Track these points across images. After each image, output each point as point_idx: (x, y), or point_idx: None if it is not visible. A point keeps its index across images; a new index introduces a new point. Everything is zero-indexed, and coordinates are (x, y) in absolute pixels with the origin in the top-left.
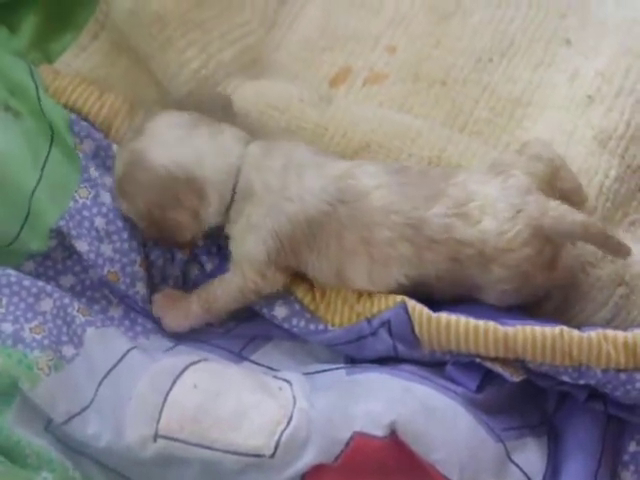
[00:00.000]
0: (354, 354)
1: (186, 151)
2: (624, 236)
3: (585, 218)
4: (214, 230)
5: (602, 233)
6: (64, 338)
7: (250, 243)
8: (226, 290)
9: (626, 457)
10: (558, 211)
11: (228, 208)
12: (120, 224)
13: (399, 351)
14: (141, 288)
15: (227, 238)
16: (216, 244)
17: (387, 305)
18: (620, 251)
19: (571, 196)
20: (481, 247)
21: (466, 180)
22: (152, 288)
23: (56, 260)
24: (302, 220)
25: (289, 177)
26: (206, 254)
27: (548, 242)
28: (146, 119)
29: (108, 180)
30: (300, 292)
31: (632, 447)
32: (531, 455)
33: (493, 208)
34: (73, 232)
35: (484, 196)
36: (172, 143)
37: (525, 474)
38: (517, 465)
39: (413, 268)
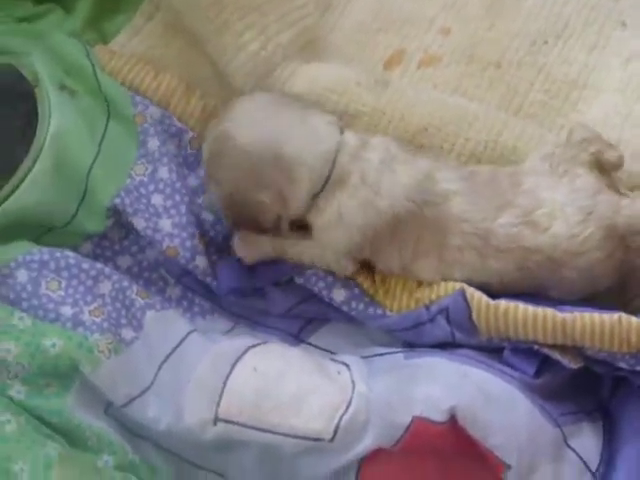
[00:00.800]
0: (412, 340)
1: (273, 130)
2: None
3: None
4: (299, 216)
5: None
6: (123, 321)
7: (336, 234)
8: (298, 254)
9: None
10: (632, 209)
11: (317, 194)
12: (178, 198)
13: (457, 338)
14: (201, 262)
15: (307, 224)
16: None
17: (446, 292)
18: None
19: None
20: (550, 252)
21: (535, 187)
22: (210, 263)
23: (113, 241)
24: (390, 216)
25: (384, 173)
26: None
27: (620, 244)
28: (233, 101)
29: (170, 148)
30: (360, 276)
31: None
32: (587, 441)
33: (562, 212)
34: (129, 209)
35: (552, 202)
36: (259, 122)
37: (582, 459)
38: (574, 450)
39: (477, 275)
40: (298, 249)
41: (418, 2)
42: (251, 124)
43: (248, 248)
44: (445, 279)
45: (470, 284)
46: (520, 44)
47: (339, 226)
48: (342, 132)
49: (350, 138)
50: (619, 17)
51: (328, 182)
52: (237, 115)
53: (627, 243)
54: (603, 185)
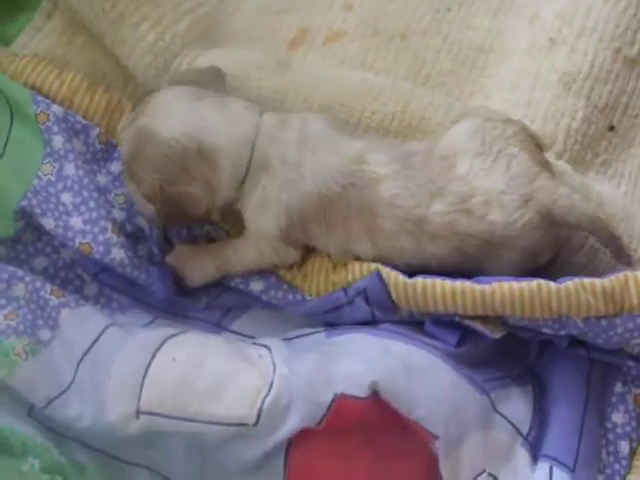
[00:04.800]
0: (333, 321)
1: (194, 121)
2: (596, 177)
3: (595, 213)
4: (229, 204)
5: (609, 232)
6: (39, 322)
7: (264, 218)
8: (241, 260)
9: (614, 399)
10: (569, 200)
11: (243, 180)
12: (86, 194)
13: (377, 317)
14: (117, 254)
15: (237, 213)
16: (185, 226)
17: (362, 274)
18: (621, 257)
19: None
20: (488, 237)
21: (468, 172)
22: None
23: (26, 243)
24: (314, 198)
25: (305, 152)
26: (176, 236)
27: (556, 223)
28: (148, 98)
29: (75, 145)
30: None
31: (618, 388)
32: (516, 404)
33: (499, 201)
34: (37, 210)
35: (488, 190)
36: (178, 115)
37: (512, 423)
38: (503, 415)
39: (414, 258)
40: (239, 255)
41: None
42: (171, 117)
43: (192, 271)
44: (384, 262)
45: (410, 266)
46: (423, 13)
47: (265, 209)
48: (261, 115)
49: (269, 119)
50: None
51: (251, 166)
52: (155, 109)
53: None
54: (538, 167)
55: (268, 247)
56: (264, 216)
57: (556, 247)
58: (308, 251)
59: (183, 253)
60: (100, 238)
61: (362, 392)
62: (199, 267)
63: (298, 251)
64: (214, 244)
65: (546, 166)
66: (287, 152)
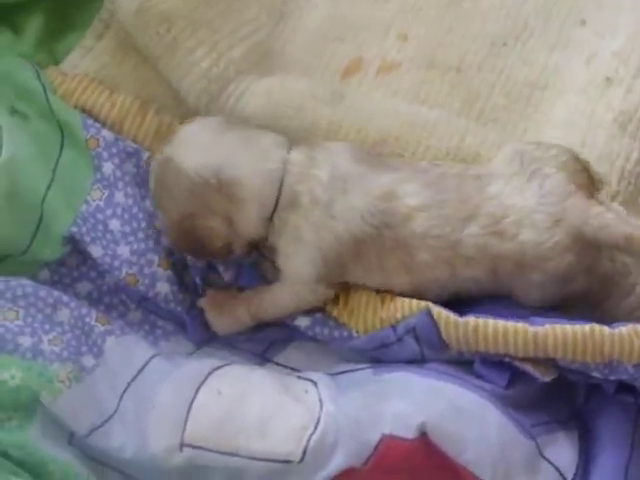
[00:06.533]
0: (380, 358)
1: (217, 154)
2: None
3: (630, 230)
4: (258, 240)
5: None
6: (83, 348)
7: (299, 262)
8: (278, 305)
9: None
10: (601, 220)
11: (271, 217)
12: (135, 225)
13: (426, 355)
14: (162, 288)
15: (272, 250)
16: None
17: (411, 311)
18: None
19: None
20: (519, 258)
21: (502, 192)
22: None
23: (71, 267)
24: (348, 239)
25: (335, 191)
26: (222, 263)
27: (589, 246)
28: (178, 129)
29: (126, 168)
30: None
31: None
32: (562, 450)
33: (530, 219)
34: (86, 237)
35: (520, 209)
36: (202, 147)
37: (557, 469)
38: (549, 461)
39: (451, 286)
40: (277, 301)
41: (374, 8)
42: (194, 149)
43: (223, 320)
44: (425, 295)
45: (448, 294)
46: (479, 47)
47: (298, 250)
48: (289, 151)
49: (296, 155)
50: (579, 15)
51: (279, 203)
52: (180, 141)
53: (596, 246)
54: (573, 187)
55: (306, 291)
56: (298, 259)
57: (589, 276)
58: (352, 286)
59: (215, 300)
60: (146, 271)
61: (410, 433)
62: (231, 315)
63: (334, 288)
64: (248, 291)
65: (589, 190)
66: (318, 191)
